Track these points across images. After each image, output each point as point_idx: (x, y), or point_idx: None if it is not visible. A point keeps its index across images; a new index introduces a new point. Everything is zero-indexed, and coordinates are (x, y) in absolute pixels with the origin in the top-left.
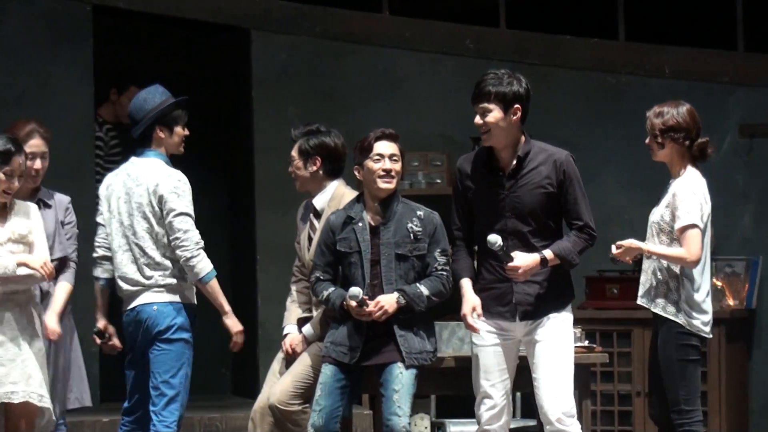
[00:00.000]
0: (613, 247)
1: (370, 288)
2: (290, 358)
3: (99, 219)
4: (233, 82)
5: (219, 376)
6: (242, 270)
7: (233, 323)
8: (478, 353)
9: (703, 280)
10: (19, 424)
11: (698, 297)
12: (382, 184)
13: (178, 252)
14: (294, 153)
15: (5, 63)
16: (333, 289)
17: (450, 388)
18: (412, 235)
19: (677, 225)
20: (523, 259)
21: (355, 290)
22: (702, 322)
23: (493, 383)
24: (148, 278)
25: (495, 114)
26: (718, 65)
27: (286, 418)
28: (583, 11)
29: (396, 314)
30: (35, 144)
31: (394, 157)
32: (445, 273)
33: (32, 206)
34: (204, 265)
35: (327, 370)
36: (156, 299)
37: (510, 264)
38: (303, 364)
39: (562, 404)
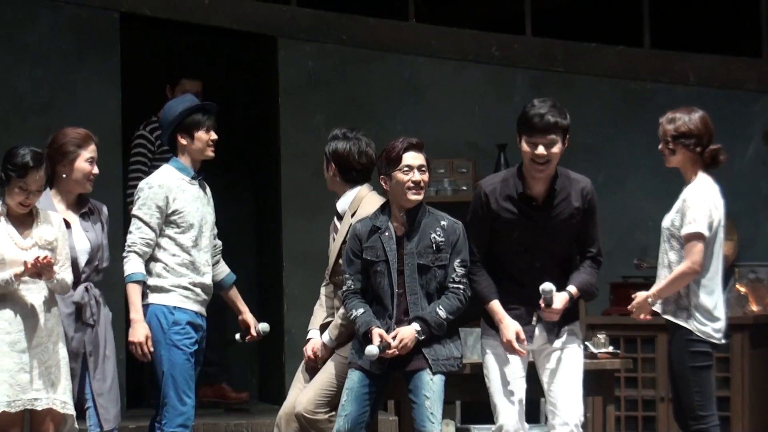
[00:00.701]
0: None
1: (396, 297)
2: (311, 364)
3: None
4: (260, 90)
5: (246, 382)
6: (268, 276)
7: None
8: (495, 361)
9: (715, 287)
10: (40, 430)
11: (709, 303)
12: (412, 196)
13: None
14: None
15: (33, 70)
16: (362, 311)
17: (475, 393)
18: (434, 245)
19: (683, 232)
20: (560, 302)
21: (372, 351)
22: (713, 329)
23: (513, 391)
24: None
25: (559, 146)
26: (743, 72)
27: (312, 426)
28: (609, 19)
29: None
30: (93, 149)
31: (423, 168)
32: (462, 287)
33: (57, 216)
34: (126, 267)
35: (354, 376)
36: (144, 301)
37: (554, 307)
38: (328, 372)
39: (579, 410)
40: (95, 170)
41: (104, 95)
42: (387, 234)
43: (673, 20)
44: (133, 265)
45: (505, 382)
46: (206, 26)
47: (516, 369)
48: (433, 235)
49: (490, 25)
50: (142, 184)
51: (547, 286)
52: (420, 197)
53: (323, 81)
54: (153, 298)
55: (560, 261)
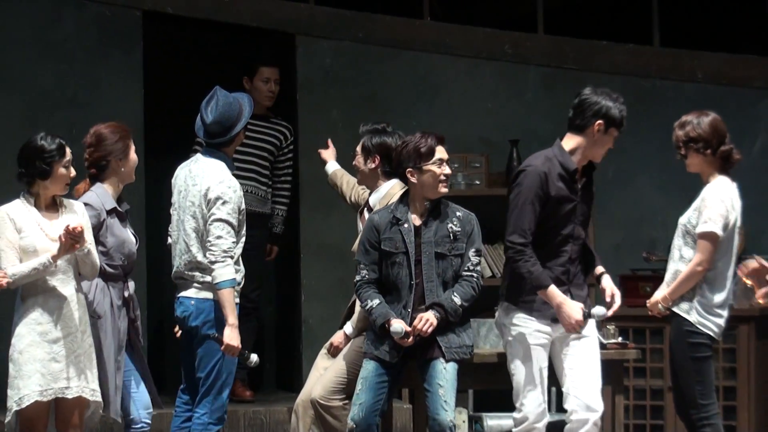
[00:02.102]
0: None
1: (411, 287)
2: (333, 354)
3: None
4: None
5: (263, 371)
6: (286, 268)
7: (230, 336)
8: (524, 351)
9: (722, 284)
10: (71, 417)
11: (713, 299)
12: (443, 189)
13: (207, 254)
14: (358, 148)
15: (59, 66)
16: (378, 302)
17: (487, 382)
18: (451, 235)
19: (697, 230)
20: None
21: (398, 327)
22: (714, 324)
23: (539, 381)
24: (190, 274)
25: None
26: (750, 70)
27: (327, 412)
28: (619, 17)
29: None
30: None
31: (448, 161)
32: (475, 275)
33: (79, 204)
34: (223, 272)
35: (368, 366)
36: (194, 295)
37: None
38: (343, 360)
39: (599, 394)
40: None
41: (127, 91)
42: (406, 225)
43: (682, 19)
44: (230, 271)
45: (530, 370)
46: (227, 24)
47: (541, 357)
48: (450, 225)
49: (502, 24)
50: (224, 188)
51: (599, 310)
52: (447, 190)
53: (340, 77)
54: (209, 294)
55: (583, 243)
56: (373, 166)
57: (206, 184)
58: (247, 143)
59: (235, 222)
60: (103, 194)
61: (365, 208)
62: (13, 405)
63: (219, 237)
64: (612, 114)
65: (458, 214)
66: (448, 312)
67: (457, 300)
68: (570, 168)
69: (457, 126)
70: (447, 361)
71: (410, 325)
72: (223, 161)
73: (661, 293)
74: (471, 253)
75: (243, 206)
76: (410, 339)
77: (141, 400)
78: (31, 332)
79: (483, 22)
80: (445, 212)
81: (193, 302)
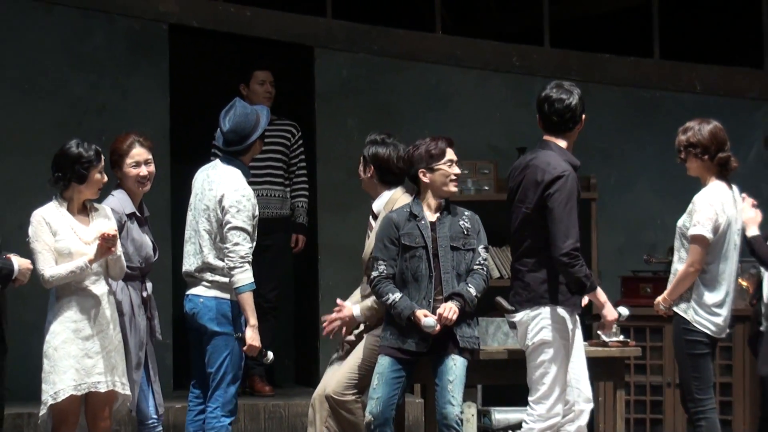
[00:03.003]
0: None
1: (430, 279)
2: (349, 347)
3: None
4: (297, 96)
5: (282, 367)
6: (304, 269)
7: (252, 336)
8: (564, 354)
9: (720, 284)
10: (101, 411)
11: (710, 299)
12: (453, 187)
13: (225, 260)
14: (360, 157)
15: (90, 76)
16: (400, 296)
17: (495, 378)
18: (464, 230)
19: (689, 232)
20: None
21: (430, 321)
22: (711, 322)
23: (575, 374)
24: (200, 273)
25: None
26: (746, 82)
27: (340, 406)
28: (621, 31)
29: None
30: (137, 153)
31: (457, 162)
32: (484, 269)
33: (108, 208)
34: (242, 277)
35: (384, 361)
36: (204, 293)
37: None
38: (357, 357)
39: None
40: (141, 172)
41: (154, 100)
42: (423, 222)
43: (681, 33)
44: (249, 275)
45: (564, 368)
46: (248, 37)
47: (568, 354)
48: (461, 222)
49: (510, 37)
50: (238, 196)
51: (624, 310)
52: (457, 188)
53: (356, 88)
54: (218, 293)
55: None
56: (369, 175)
57: (221, 190)
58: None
59: (250, 228)
60: (123, 199)
61: (370, 216)
62: (48, 399)
63: (236, 244)
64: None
65: (466, 213)
66: (466, 301)
67: (473, 290)
68: (578, 166)
69: (466, 134)
70: (461, 349)
71: (432, 314)
72: (240, 169)
73: (658, 298)
74: (481, 248)
75: (257, 212)
76: (438, 327)
77: (153, 398)
78: (66, 330)
79: (492, 36)
80: (455, 210)
81: (201, 300)
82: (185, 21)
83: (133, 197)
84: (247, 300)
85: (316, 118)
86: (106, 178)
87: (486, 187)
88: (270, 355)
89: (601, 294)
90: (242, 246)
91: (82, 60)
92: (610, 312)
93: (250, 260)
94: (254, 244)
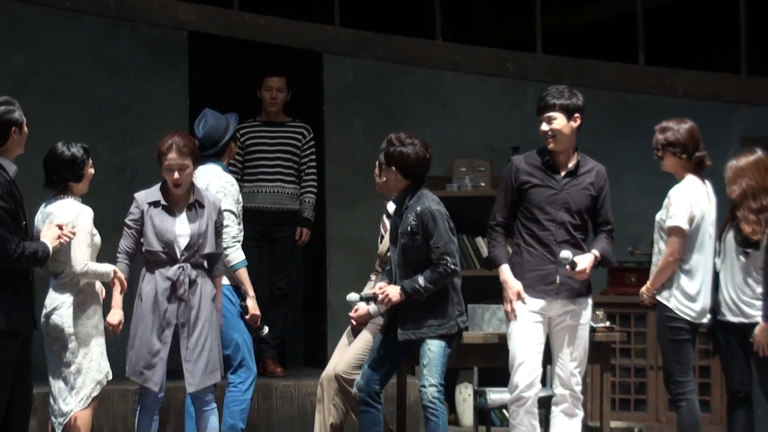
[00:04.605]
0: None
1: (393, 272)
2: (355, 329)
3: None
4: (307, 99)
5: (293, 350)
6: (314, 259)
7: (253, 306)
8: (519, 327)
9: (698, 273)
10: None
11: (689, 287)
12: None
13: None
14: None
15: (114, 80)
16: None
17: (490, 360)
18: (410, 228)
19: (666, 224)
20: (586, 262)
21: (351, 297)
22: (691, 309)
23: (532, 355)
24: None
25: (560, 121)
26: (724, 86)
27: (349, 385)
28: (608, 39)
29: (410, 299)
30: (171, 158)
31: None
32: (443, 262)
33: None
34: (236, 255)
35: (377, 340)
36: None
37: (578, 269)
38: (363, 339)
39: (579, 379)
40: (175, 176)
41: (174, 102)
42: (397, 217)
43: (665, 41)
44: (241, 253)
45: (524, 346)
46: (262, 43)
47: (536, 336)
48: (410, 218)
49: (505, 44)
50: (224, 183)
51: (565, 253)
52: (379, 189)
53: (362, 91)
54: (224, 279)
55: (578, 229)
56: (393, 176)
57: (206, 181)
58: (268, 149)
59: (237, 211)
60: (153, 190)
61: (384, 215)
62: (80, 405)
63: (226, 226)
64: None
65: (417, 209)
66: (407, 291)
67: (422, 281)
68: (543, 160)
69: (464, 134)
70: (432, 338)
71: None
72: (216, 164)
73: (642, 289)
74: (432, 242)
75: (241, 199)
76: (370, 304)
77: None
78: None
79: (488, 43)
80: (413, 207)
81: None
82: (203, 28)
83: (176, 195)
84: (243, 275)
85: (325, 118)
86: (93, 171)
87: (482, 183)
88: (266, 329)
89: (502, 272)
90: (232, 227)
91: (108, 65)
92: (508, 290)
93: (241, 240)
94: (242, 226)
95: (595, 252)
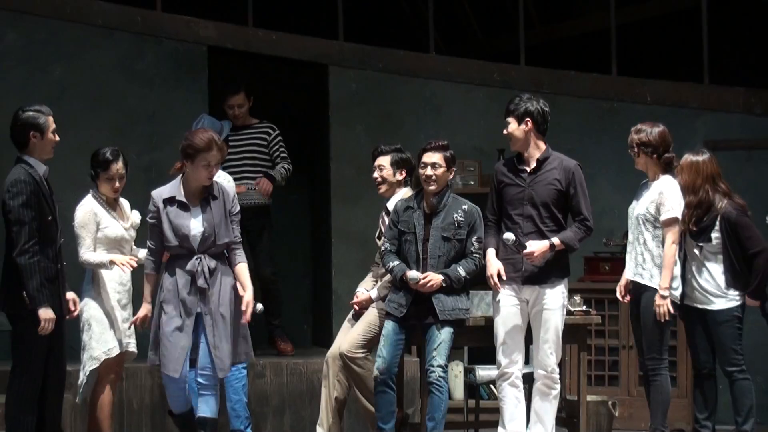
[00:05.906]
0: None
1: (420, 261)
2: (357, 313)
3: None
4: (314, 106)
5: (302, 331)
6: (320, 250)
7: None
8: (500, 311)
9: (679, 261)
10: (120, 367)
11: (674, 273)
12: (426, 186)
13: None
14: (385, 163)
15: (141, 90)
16: (397, 262)
17: (479, 341)
18: (456, 223)
19: (663, 217)
20: (535, 246)
21: (414, 274)
22: (677, 293)
23: (512, 335)
24: None
25: (512, 126)
26: (688, 94)
27: (352, 362)
28: (584, 52)
29: (450, 287)
30: (213, 155)
31: (436, 165)
32: (478, 255)
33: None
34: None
35: (389, 326)
36: None
37: (525, 251)
38: (367, 321)
39: (557, 358)
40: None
41: (195, 110)
42: (418, 213)
43: (635, 53)
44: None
45: (505, 329)
46: (274, 56)
47: (514, 318)
48: (456, 215)
49: (492, 57)
50: (223, 180)
51: (507, 235)
52: (432, 188)
53: (363, 100)
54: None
55: (546, 222)
56: (401, 178)
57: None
58: (235, 151)
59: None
60: (168, 186)
61: (384, 212)
62: (101, 355)
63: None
64: None
65: (464, 207)
66: (452, 279)
67: (461, 270)
68: (513, 161)
69: (455, 138)
70: (441, 323)
71: (421, 286)
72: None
73: (625, 278)
74: (474, 238)
75: (236, 195)
76: (421, 282)
77: (211, 359)
78: (113, 299)
79: (477, 56)
80: (453, 205)
81: None
82: (221, 43)
83: (193, 189)
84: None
85: (330, 124)
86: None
87: (471, 182)
88: (259, 306)
89: (490, 257)
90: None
91: (136, 76)
92: (488, 268)
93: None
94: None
95: (555, 240)
